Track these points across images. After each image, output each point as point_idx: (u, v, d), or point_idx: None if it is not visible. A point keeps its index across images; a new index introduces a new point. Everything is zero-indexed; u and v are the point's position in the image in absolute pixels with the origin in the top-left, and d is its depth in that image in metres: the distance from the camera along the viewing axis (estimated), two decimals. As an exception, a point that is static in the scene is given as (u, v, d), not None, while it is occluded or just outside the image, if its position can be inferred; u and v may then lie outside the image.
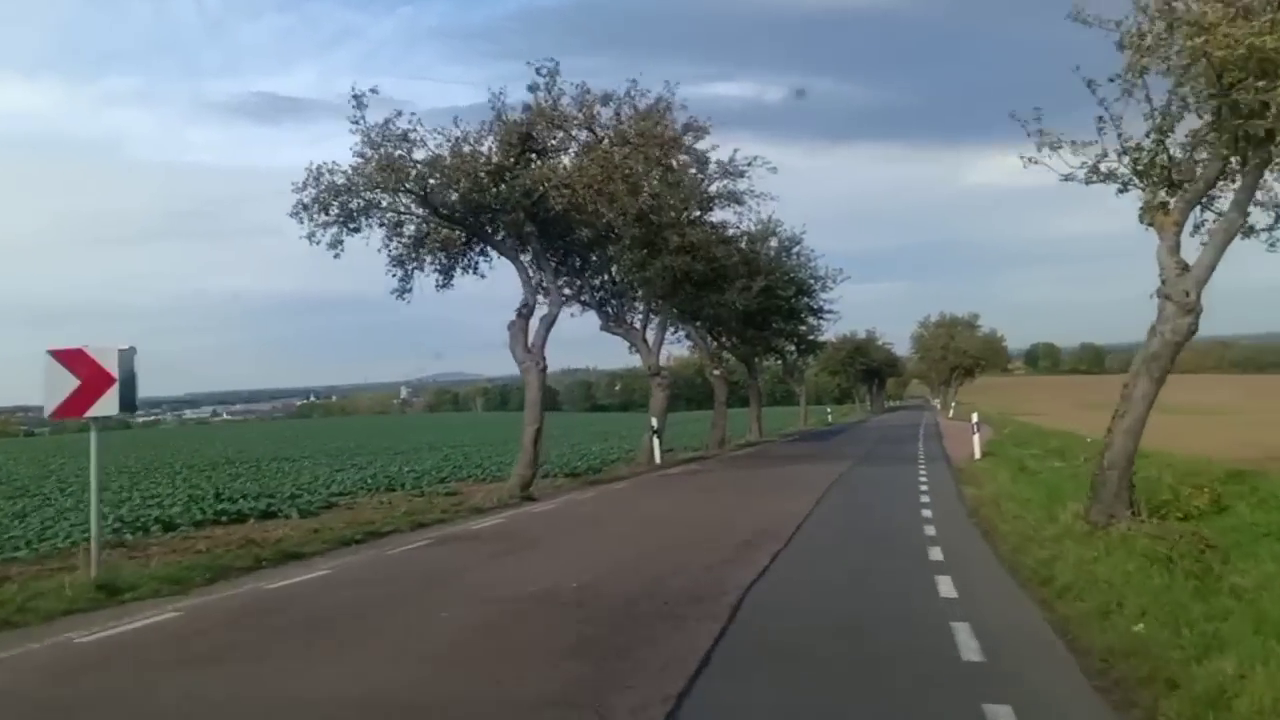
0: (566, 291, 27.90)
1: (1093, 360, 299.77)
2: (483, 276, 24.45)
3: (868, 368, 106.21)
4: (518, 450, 23.22)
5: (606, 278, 31.58)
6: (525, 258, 23.76)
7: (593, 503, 20.90)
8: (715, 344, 47.82)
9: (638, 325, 33.66)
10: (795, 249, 48.01)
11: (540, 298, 23.36)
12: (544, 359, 22.94)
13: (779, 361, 66.09)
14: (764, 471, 28.34)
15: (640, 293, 33.12)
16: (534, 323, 23.01)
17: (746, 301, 44.32)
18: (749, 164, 31.44)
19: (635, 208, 23.47)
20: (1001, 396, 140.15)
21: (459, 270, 24.02)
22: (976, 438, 29.78)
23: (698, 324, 42.20)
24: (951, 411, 78.19)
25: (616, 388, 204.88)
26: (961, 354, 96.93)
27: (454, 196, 21.54)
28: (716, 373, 41.90)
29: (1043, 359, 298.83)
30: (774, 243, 46.99)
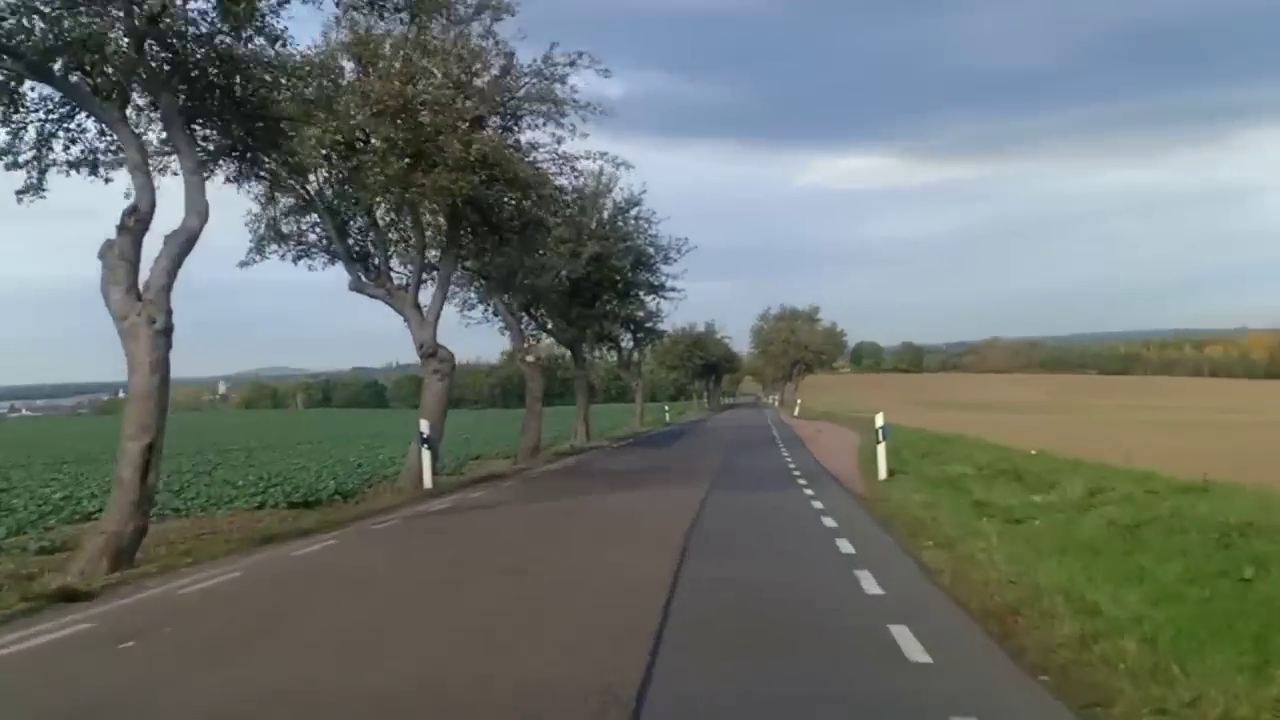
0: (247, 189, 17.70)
1: (913, 359, 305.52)
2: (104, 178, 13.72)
3: (706, 363, 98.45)
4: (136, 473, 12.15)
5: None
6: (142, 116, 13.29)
7: (156, 637, 9.05)
8: (532, 324, 37.95)
9: (409, 286, 22.85)
10: (634, 211, 38.61)
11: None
12: (168, 313, 12.19)
13: (612, 352, 56.65)
14: (581, 507, 18.06)
15: (401, 230, 22.88)
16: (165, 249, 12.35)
17: (573, 269, 34.77)
18: (572, 63, 21.43)
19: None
20: (835, 394, 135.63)
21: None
22: (882, 449, 20.60)
23: (507, 296, 32.17)
24: (797, 409, 70.71)
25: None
26: (803, 348, 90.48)
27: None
28: (530, 359, 31.68)
29: (866, 358, 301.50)
30: (608, 202, 37.59)
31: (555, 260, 31.65)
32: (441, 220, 21.65)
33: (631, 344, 56.97)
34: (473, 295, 35.35)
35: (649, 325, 55.16)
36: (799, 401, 76.11)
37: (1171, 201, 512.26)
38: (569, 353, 44.98)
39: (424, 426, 20.50)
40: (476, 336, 54.60)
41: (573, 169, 22.78)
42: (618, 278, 38.87)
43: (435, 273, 23.58)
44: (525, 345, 32.06)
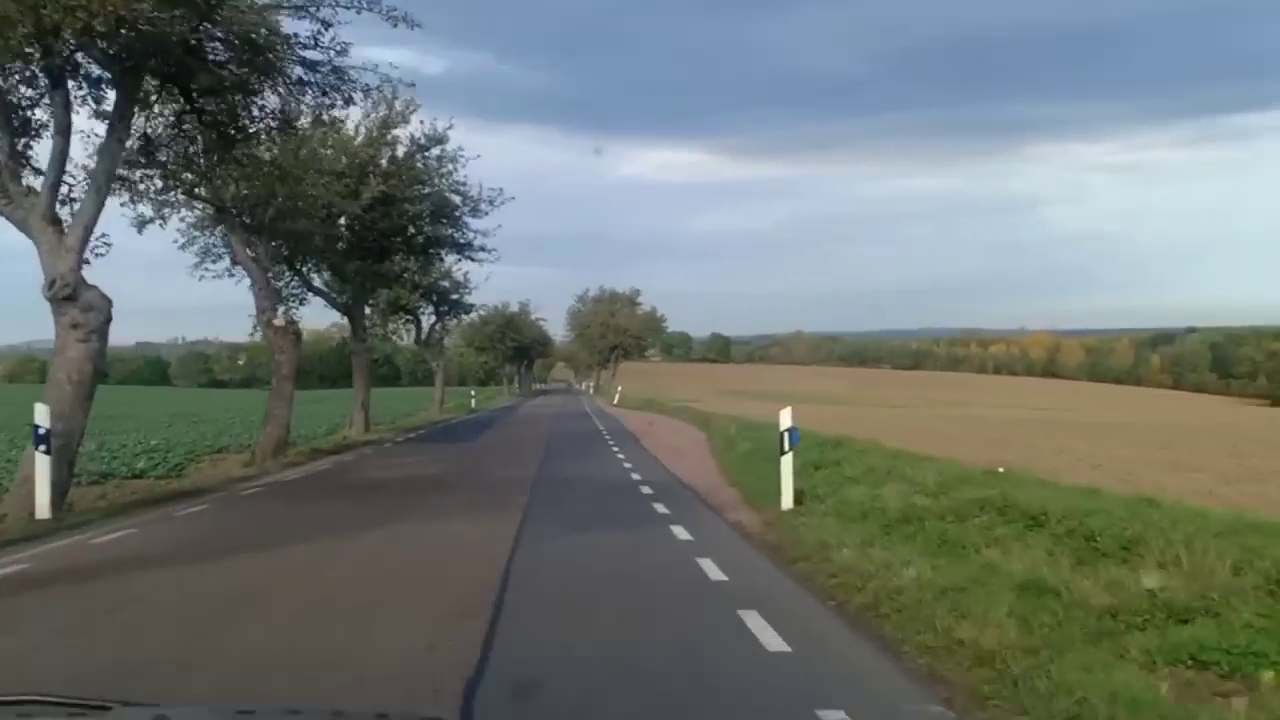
0: None
1: (721, 350, 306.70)
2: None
3: (519, 345, 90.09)
4: None
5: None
6: None
7: None
8: (296, 280, 29.19)
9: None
10: (436, 151, 30.31)
11: None
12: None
13: (410, 326, 47.91)
14: (262, 586, 8.80)
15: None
16: None
17: (350, 213, 26.38)
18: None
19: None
20: (649, 382, 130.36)
21: None
22: (787, 465, 13.26)
23: (252, 239, 23.34)
24: (617, 397, 63.86)
25: (240, 362, 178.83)
26: (622, 332, 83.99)
27: None
28: (277, 323, 22.91)
29: (677, 347, 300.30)
30: (404, 136, 29.26)
31: (324, 196, 23.16)
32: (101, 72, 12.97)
33: (434, 317, 48.48)
34: (216, 241, 26.38)
35: (454, 297, 46.85)
36: (619, 389, 69.20)
37: (962, 209, 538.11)
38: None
39: (41, 416, 11.92)
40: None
41: (345, 82, 14.67)
42: (412, 229, 30.54)
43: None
44: (268, 309, 23.12)
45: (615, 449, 25.70)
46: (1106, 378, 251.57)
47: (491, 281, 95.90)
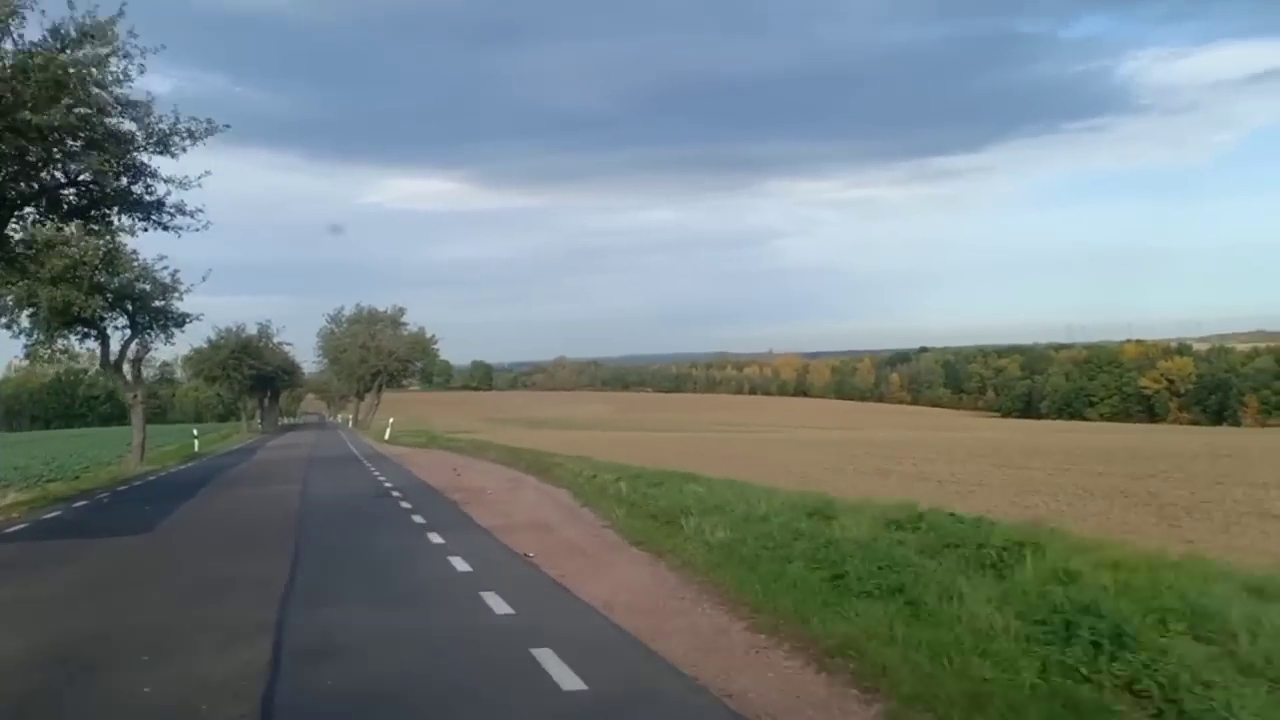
0: None
1: (483, 377, 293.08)
2: None
3: (260, 374, 74.01)
4: None
5: None
6: None
7: None
8: None
9: None
10: (88, 50, 16.90)
11: None
12: None
13: (87, 341, 33.19)
14: None
15: None
16: None
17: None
18: None
19: None
20: (413, 412, 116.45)
21: None
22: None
23: None
24: (388, 432, 50.11)
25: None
26: (387, 355, 69.99)
27: None
28: None
29: (437, 375, 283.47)
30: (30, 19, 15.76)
31: None
32: None
33: (129, 330, 33.85)
34: None
35: (159, 304, 32.76)
36: (390, 422, 54.76)
37: (704, 241, 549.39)
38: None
39: None
40: None
41: None
42: (37, 161, 17.11)
43: None
44: None
45: (439, 541, 12.87)
46: (852, 395, 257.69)
47: (229, 311, 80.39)
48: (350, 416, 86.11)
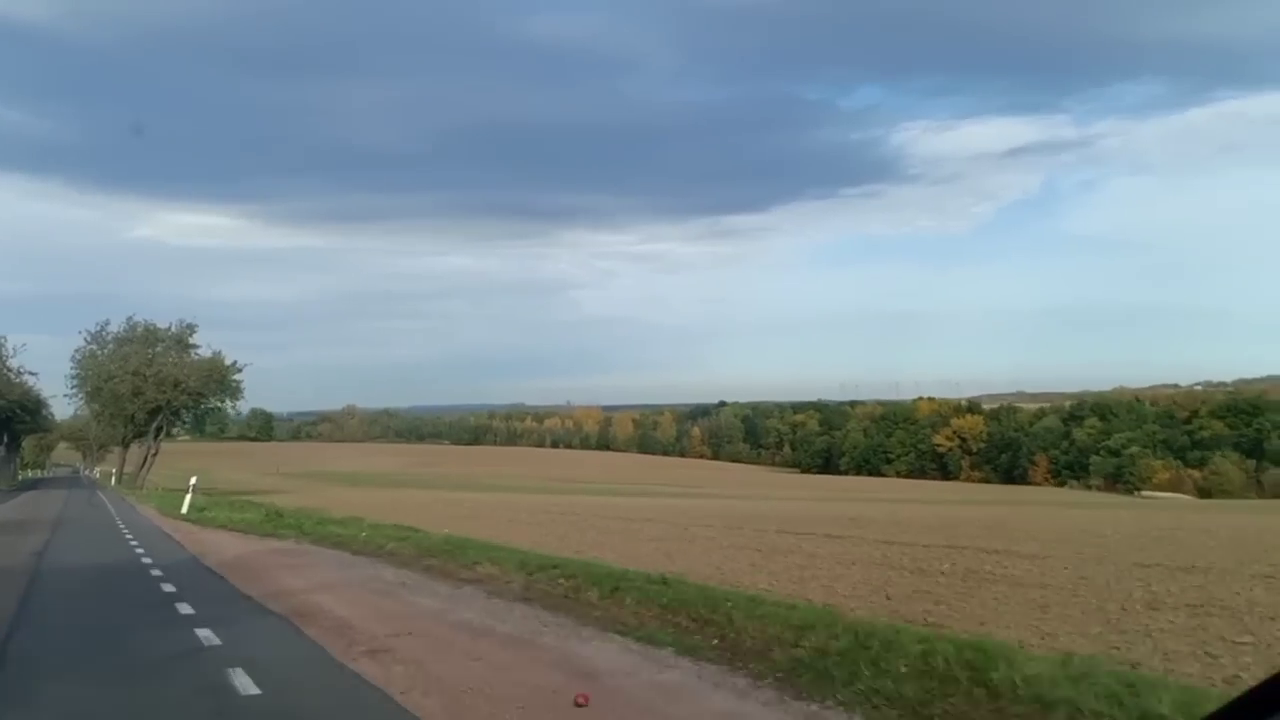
0: None
1: (263, 427, 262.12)
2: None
3: (-12, 411, 52.23)
4: None
5: None
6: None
7: None
8: None
9: None
10: None
11: None
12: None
13: None
14: None
15: None
16: None
17: None
18: None
19: None
20: (188, 465, 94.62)
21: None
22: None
23: None
24: (187, 503, 29.07)
25: None
26: (172, 386, 49.55)
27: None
28: None
29: (211, 424, 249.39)
30: None
31: None
32: None
33: None
34: None
35: None
36: (193, 484, 32.46)
37: (497, 289, 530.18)
38: None
39: None
40: None
41: None
42: None
43: None
44: None
45: None
46: (655, 449, 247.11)
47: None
48: (114, 471, 63.81)
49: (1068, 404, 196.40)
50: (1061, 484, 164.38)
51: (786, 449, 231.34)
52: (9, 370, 52.20)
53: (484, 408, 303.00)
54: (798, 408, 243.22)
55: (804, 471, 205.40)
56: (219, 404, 50.15)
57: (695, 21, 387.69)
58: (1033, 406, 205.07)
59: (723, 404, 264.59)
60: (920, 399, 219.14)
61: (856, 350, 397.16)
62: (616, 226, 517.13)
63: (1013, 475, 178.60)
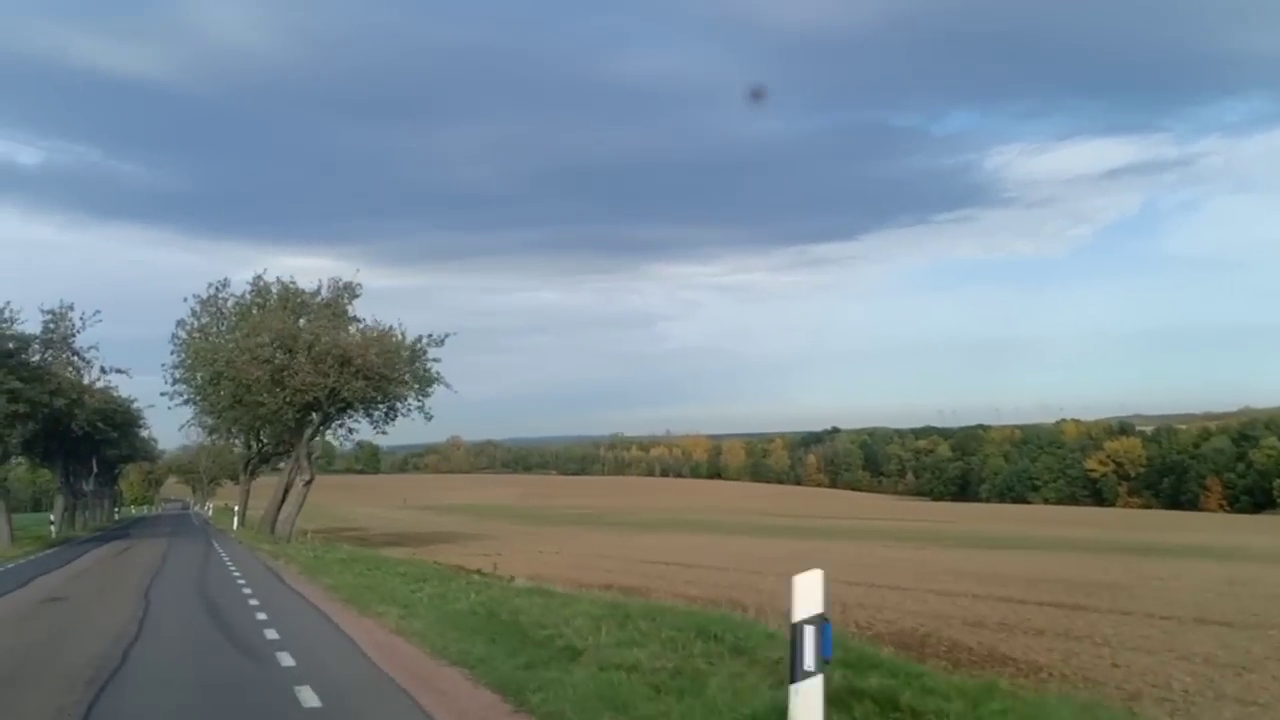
0: None
1: (369, 459, 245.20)
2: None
3: (41, 412, 31.27)
4: None
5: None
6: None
7: None
8: None
9: None
10: None
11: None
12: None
13: None
14: None
15: None
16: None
17: None
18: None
19: None
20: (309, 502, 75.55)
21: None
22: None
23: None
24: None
25: None
26: (339, 366, 28.00)
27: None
28: None
29: (320, 457, 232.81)
30: None
31: None
32: None
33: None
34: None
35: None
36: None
37: (587, 323, 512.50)
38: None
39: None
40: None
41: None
42: None
43: None
44: None
45: None
46: (769, 477, 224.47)
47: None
48: (235, 509, 43.58)
49: (1234, 423, 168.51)
50: (1238, 511, 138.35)
51: (909, 476, 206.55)
52: (79, 358, 32.09)
53: (581, 438, 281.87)
54: (918, 433, 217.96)
55: (935, 499, 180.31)
56: (414, 395, 29.17)
57: (776, 52, 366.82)
58: (1195, 427, 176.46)
59: (836, 430, 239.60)
60: (1064, 420, 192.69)
61: (950, 376, 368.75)
62: (702, 258, 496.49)
63: (1179, 501, 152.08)
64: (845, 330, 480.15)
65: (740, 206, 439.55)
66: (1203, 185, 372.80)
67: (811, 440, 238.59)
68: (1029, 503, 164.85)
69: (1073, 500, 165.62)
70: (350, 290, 30.27)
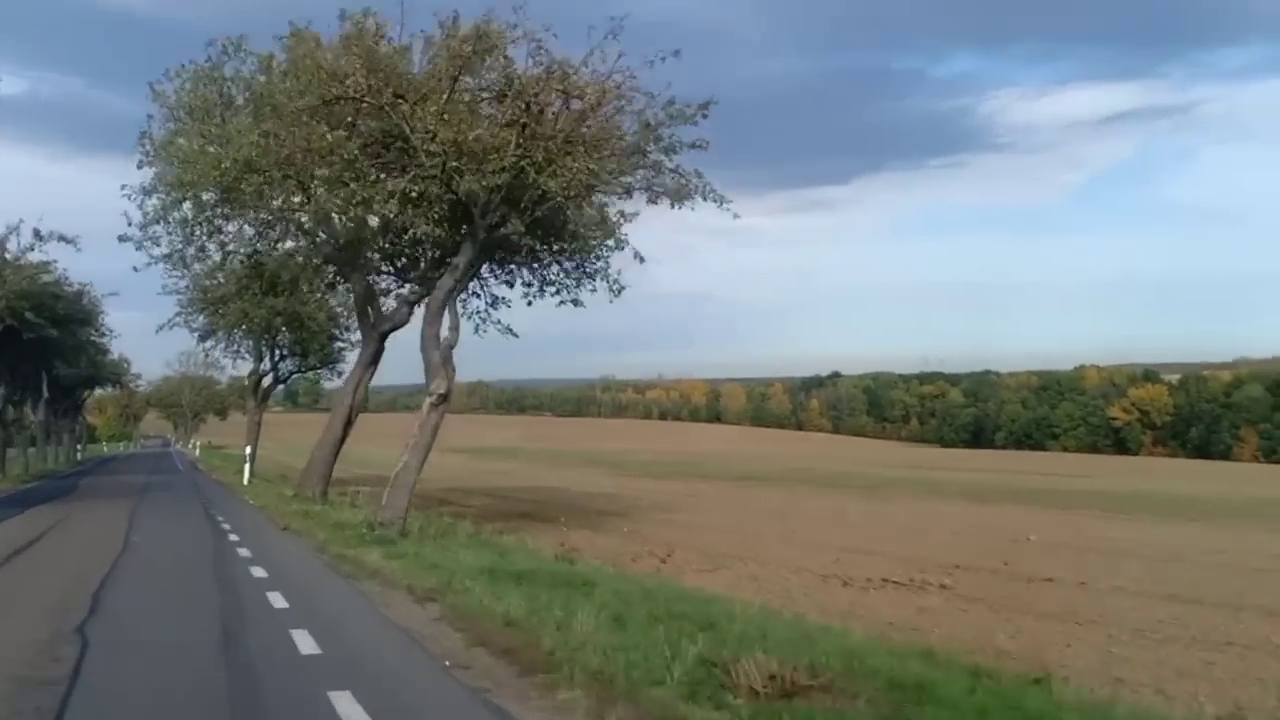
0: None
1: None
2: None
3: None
4: None
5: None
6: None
7: None
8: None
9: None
10: None
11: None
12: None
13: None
14: None
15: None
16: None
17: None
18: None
19: None
20: (293, 438, 61.94)
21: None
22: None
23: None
24: None
25: None
26: (535, 122, 13.26)
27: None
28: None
29: (303, 395, 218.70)
30: None
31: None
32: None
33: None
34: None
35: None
36: None
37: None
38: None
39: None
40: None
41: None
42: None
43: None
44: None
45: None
46: (769, 422, 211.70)
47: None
48: (247, 451, 27.26)
49: (1272, 370, 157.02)
50: (1276, 461, 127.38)
51: (914, 422, 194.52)
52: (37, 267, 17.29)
53: (572, 381, 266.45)
54: (924, 379, 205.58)
55: (946, 446, 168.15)
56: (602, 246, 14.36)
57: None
58: (1226, 375, 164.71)
59: (838, 375, 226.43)
60: (1084, 366, 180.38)
61: (941, 322, 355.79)
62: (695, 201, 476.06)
63: (1208, 452, 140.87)
64: (840, 276, 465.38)
65: (735, 150, 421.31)
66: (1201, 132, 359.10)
67: (813, 385, 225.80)
68: (1046, 450, 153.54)
69: (1093, 449, 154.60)
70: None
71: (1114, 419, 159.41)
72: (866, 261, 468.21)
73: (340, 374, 29.07)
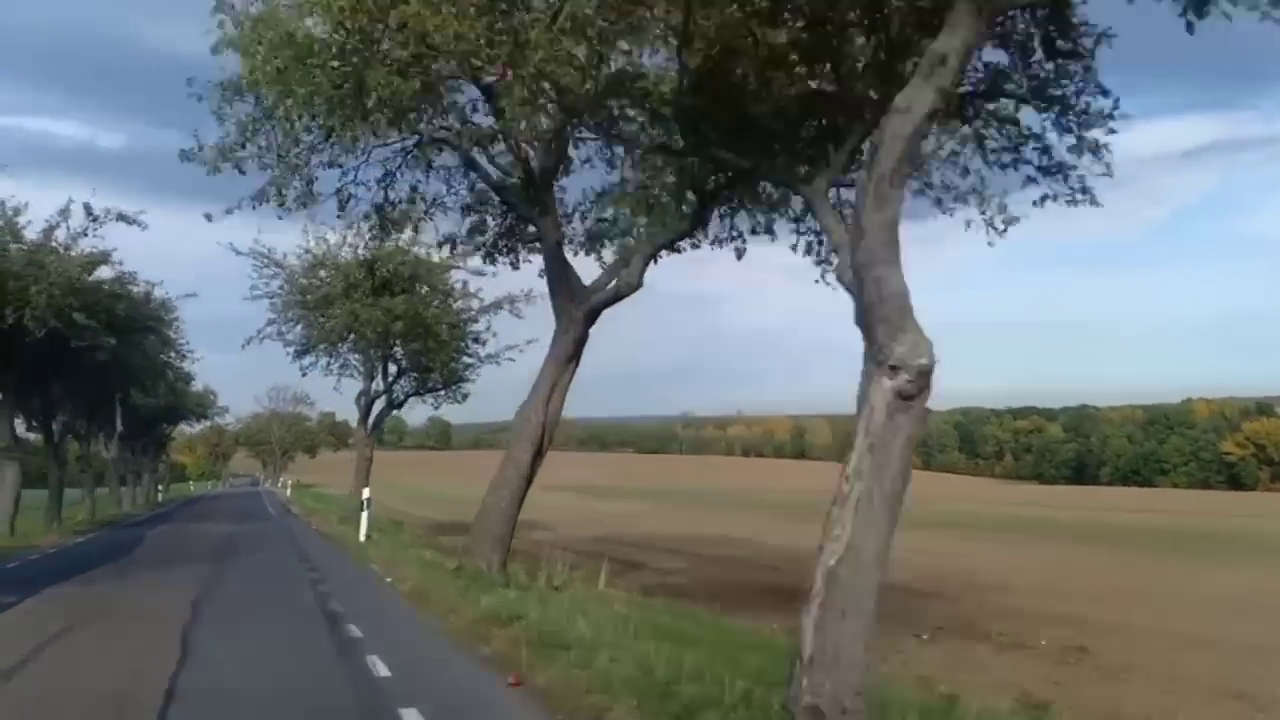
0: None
1: (441, 436, 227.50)
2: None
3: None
4: None
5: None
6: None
7: None
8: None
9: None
10: None
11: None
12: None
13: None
14: None
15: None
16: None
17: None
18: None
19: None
20: (385, 476, 54.54)
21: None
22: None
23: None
24: None
25: None
26: None
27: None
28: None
29: (389, 433, 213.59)
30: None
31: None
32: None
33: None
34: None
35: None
36: None
37: (656, 302, 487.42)
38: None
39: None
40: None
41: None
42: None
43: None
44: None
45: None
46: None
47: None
48: (363, 496, 20.75)
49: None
50: None
51: (1008, 458, 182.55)
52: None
53: (648, 418, 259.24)
54: (1017, 414, 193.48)
55: (1045, 483, 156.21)
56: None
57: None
58: None
59: (928, 410, 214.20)
60: (1192, 399, 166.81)
61: (1024, 358, 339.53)
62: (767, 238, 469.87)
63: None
64: (922, 311, 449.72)
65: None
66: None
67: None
68: (1155, 486, 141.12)
69: (1205, 485, 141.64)
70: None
71: (1227, 454, 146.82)
72: (941, 297, 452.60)
73: (465, 396, 22.84)
